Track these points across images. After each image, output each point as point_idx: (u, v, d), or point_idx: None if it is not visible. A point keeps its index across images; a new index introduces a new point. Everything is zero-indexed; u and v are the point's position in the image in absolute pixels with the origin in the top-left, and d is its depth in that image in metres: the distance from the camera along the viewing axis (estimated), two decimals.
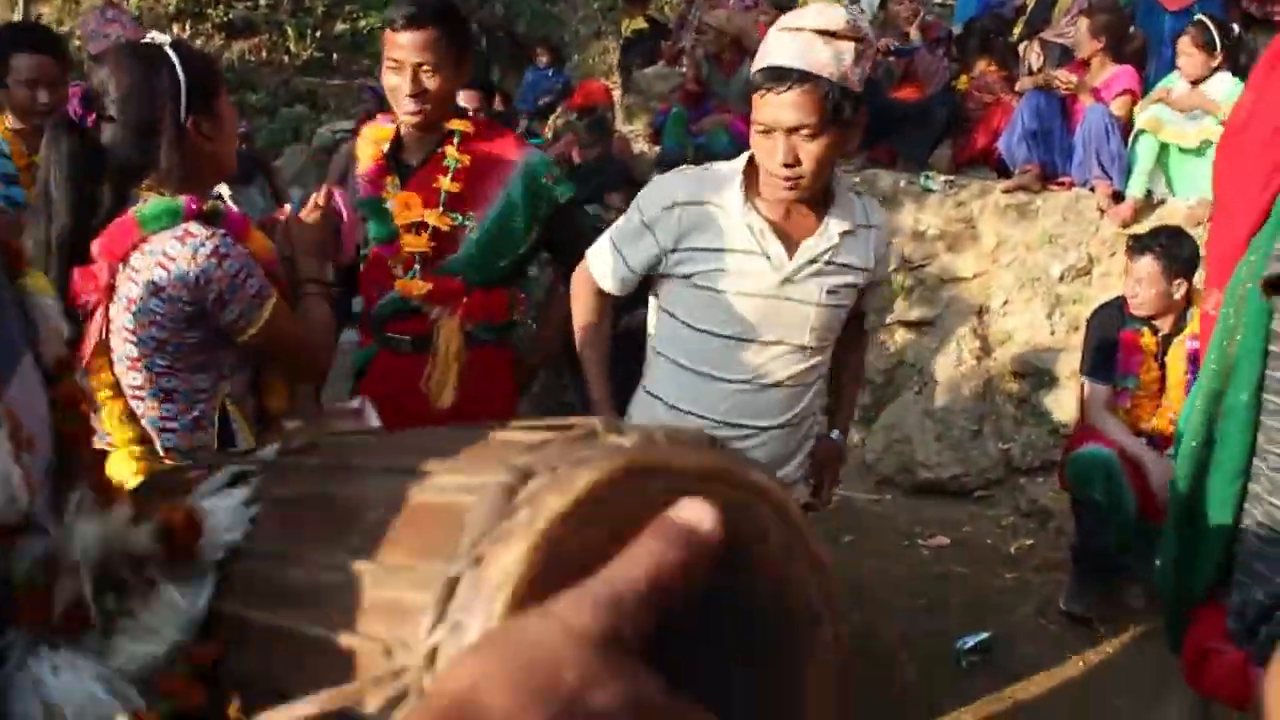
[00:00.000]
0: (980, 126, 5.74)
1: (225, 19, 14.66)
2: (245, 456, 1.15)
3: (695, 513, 0.48)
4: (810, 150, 2.02)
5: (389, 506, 0.73)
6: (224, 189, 2.39)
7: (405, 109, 2.57)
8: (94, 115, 1.89)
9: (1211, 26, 4.93)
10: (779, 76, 1.98)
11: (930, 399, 5.23)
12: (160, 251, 1.81)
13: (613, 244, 2.29)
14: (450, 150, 2.63)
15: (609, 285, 2.32)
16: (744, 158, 2.18)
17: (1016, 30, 6.04)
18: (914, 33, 5.98)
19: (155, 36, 1.99)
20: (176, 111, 1.89)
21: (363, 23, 14.92)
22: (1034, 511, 4.93)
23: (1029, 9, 6.15)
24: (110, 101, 1.89)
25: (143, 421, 1.92)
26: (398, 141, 2.68)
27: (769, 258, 2.14)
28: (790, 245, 2.15)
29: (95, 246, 1.85)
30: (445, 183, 2.60)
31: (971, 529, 4.93)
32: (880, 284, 2.35)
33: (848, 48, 1.99)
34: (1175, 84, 5.12)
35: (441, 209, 2.60)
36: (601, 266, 2.31)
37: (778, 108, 1.99)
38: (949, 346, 5.29)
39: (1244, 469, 2.11)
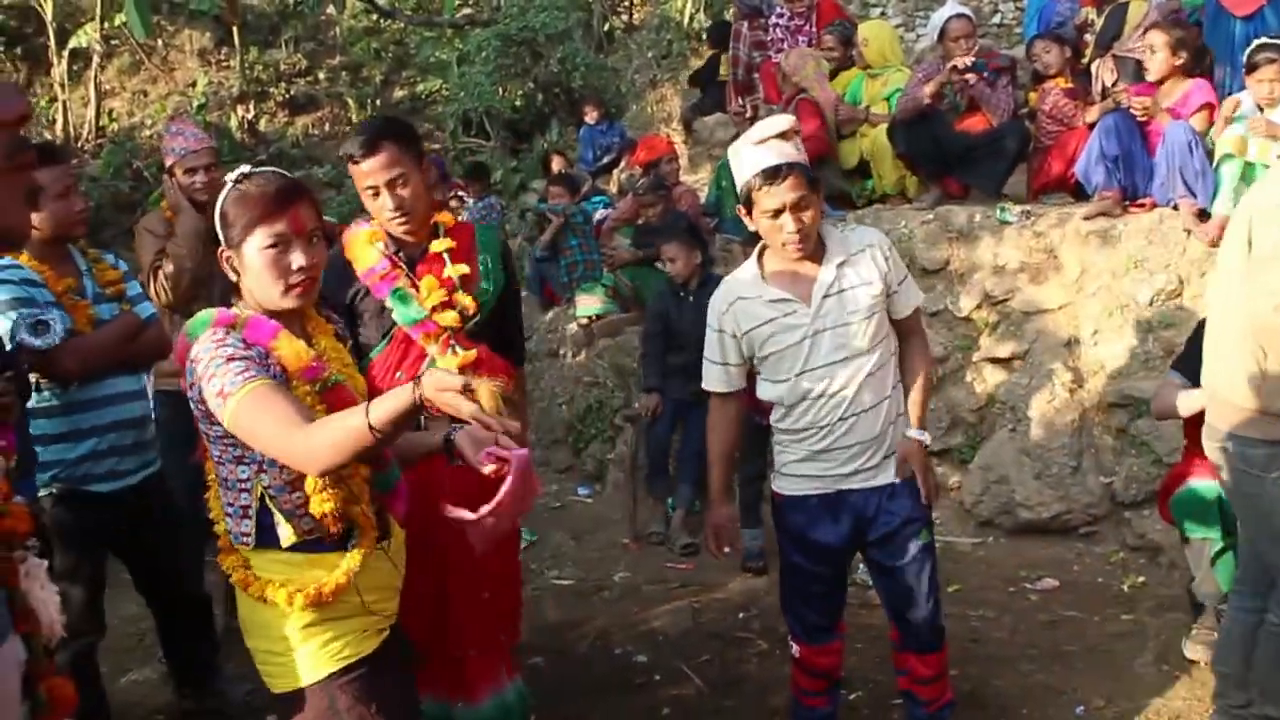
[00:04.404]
0: (1054, 152, 5.61)
1: (287, 95, 15.04)
2: None
3: None
4: (807, 215, 2.71)
5: None
6: None
7: (397, 225, 2.80)
8: None
9: None
10: (775, 172, 2.67)
11: (1026, 436, 5.10)
12: (191, 356, 2.00)
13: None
14: (437, 243, 2.88)
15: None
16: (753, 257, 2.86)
17: (1087, 52, 5.89)
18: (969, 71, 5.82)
19: (243, 170, 2.11)
20: (218, 242, 2.10)
21: (420, 87, 15.18)
22: (1143, 546, 4.76)
23: (1097, 27, 6.01)
24: None
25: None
26: (392, 238, 2.88)
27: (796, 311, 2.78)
28: (807, 291, 2.78)
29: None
30: (452, 268, 2.86)
31: (1079, 569, 4.77)
32: (904, 282, 2.89)
33: (796, 139, 2.76)
34: (1243, 103, 4.93)
35: (459, 291, 2.86)
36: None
37: (783, 193, 2.68)
38: (1040, 381, 5.15)
39: None
